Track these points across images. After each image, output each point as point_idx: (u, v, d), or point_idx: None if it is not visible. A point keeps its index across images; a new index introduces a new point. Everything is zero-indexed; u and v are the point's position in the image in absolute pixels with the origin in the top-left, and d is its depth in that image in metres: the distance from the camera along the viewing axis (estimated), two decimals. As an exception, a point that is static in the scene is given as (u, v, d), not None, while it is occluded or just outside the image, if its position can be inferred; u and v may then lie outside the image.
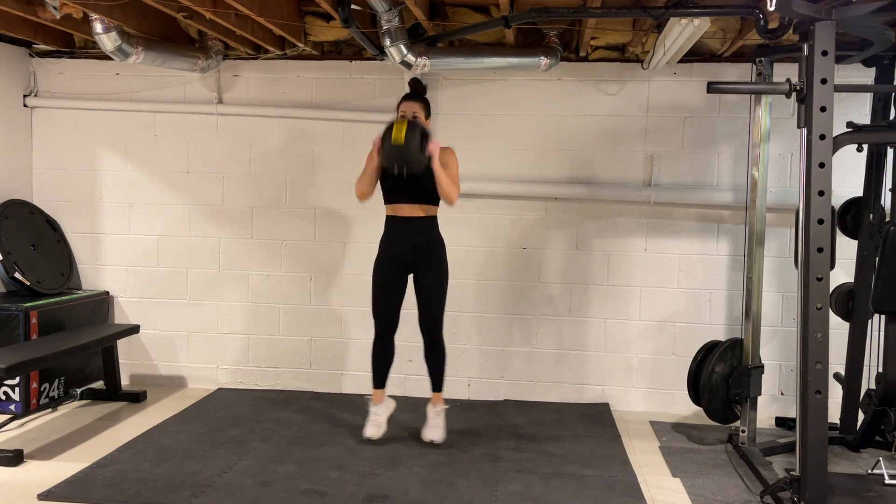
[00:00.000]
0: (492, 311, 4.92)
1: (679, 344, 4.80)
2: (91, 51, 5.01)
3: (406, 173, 3.77)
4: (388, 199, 4.02)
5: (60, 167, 5.15)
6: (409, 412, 4.58)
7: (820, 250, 3.10)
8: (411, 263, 4.00)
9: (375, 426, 4.07)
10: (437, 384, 4.09)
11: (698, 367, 4.21)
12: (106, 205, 5.14)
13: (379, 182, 4.01)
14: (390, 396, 4.24)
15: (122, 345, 5.03)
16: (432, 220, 4.01)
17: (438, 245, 4.03)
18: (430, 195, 3.94)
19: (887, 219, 4.00)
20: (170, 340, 5.15)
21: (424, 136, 3.77)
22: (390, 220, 4.02)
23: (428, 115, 4.00)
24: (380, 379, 4.12)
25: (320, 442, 4.06)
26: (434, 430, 4.04)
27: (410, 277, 4.06)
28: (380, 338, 4.07)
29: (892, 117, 3.93)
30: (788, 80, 3.22)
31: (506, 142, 4.84)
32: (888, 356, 3.71)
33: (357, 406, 4.68)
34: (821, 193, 3.09)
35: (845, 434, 4.15)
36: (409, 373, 4.94)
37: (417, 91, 4.08)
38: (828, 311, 3.10)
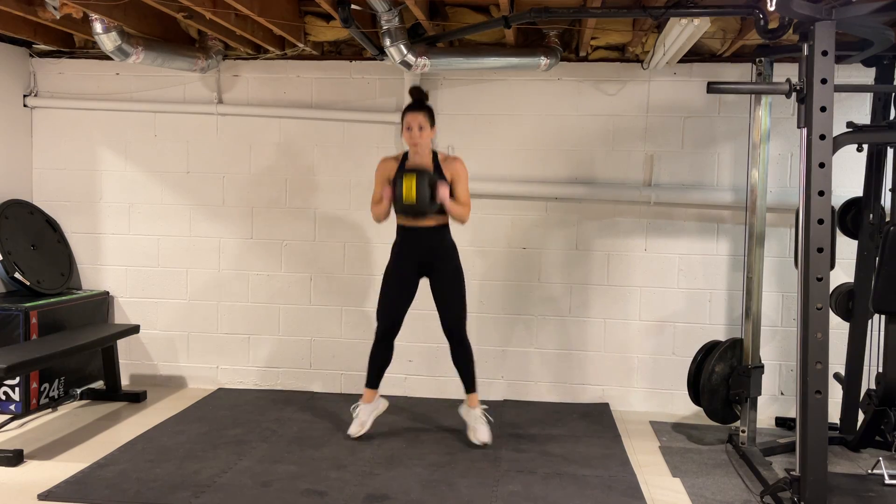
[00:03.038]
0: (492, 311, 4.92)
1: (679, 344, 4.80)
2: (91, 51, 5.01)
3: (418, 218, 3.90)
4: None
5: (60, 167, 5.15)
6: (410, 412, 4.59)
7: (820, 250, 3.09)
8: (425, 269, 4.05)
9: (359, 424, 4.11)
10: (469, 385, 4.10)
11: (698, 367, 4.21)
12: (106, 205, 5.14)
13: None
14: (383, 396, 4.22)
15: (122, 345, 5.03)
16: (444, 228, 4.04)
17: (452, 250, 4.07)
18: (441, 208, 3.98)
19: (887, 219, 4.00)
20: (170, 340, 5.15)
21: (433, 187, 3.82)
22: (403, 229, 4.05)
23: (432, 123, 3.97)
24: (374, 379, 4.13)
25: (320, 442, 4.06)
26: (481, 431, 4.03)
27: (422, 283, 4.09)
28: (381, 339, 4.09)
29: (892, 117, 3.93)
30: (788, 80, 3.22)
31: (506, 142, 4.84)
32: (888, 356, 3.71)
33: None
34: (821, 193, 3.09)
35: (845, 434, 4.15)
36: (408, 373, 4.94)
37: (420, 100, 4.01)
38: (828, 311, 3.10)
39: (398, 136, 4.86)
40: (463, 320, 4.07)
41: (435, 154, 4.00)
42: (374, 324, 4.08)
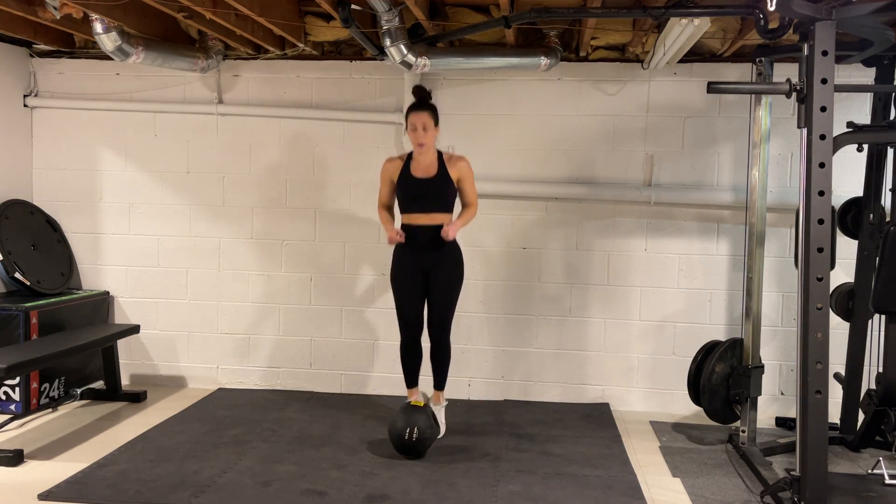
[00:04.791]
0: (492, 311, 4.92)
1: (679, 344, 4.80)
2: (91, 51, 5.01)
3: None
4: (404, 209, 4.05)
5: (60, 167, 5.15)
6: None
7: (820, 250, 3.09)
8: (428, 267, 4.03)
9: (440, 426, 4.13)
10: (439, 383, 4.16)
11: (698, 367, 4.21)
12: (106, 205, 5.14)
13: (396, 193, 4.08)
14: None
15: (122, 345, 5.03)
16: None
17: (456, 252, 4.07)
18: (445, 205, 4.00)
19: (887, 219, 4.00)
20: (170, 340, 5.15)
21: (432, 429, 3.89)
22: (406, 228, 4.03)
23: (436, 121, 3.95)
24: (411, 379, 4.19)
25: (320, 442, 4.06)
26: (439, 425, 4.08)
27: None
28: (406, 343, 4.11)
29: (892, 117, 3.93)
30: (788, 80, 3.22)
31: (506, 142, 4.84)
32: (888, 356, 3.71)
33: (357, 406, 4.69)
34: (821, 193, 3.09)
35: (845, 434, 4.15)
36: (409, 373, 4.94)
37: (423, 98, 4.00)
38: (828, 311, 3.10)
39: (398, 135, 4.87)
40: (449, 321, 4.07)
41: (439, 154, 4.01)
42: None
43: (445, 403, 4.23)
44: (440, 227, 3.95)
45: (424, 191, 3.96)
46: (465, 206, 4.07)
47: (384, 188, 4.09)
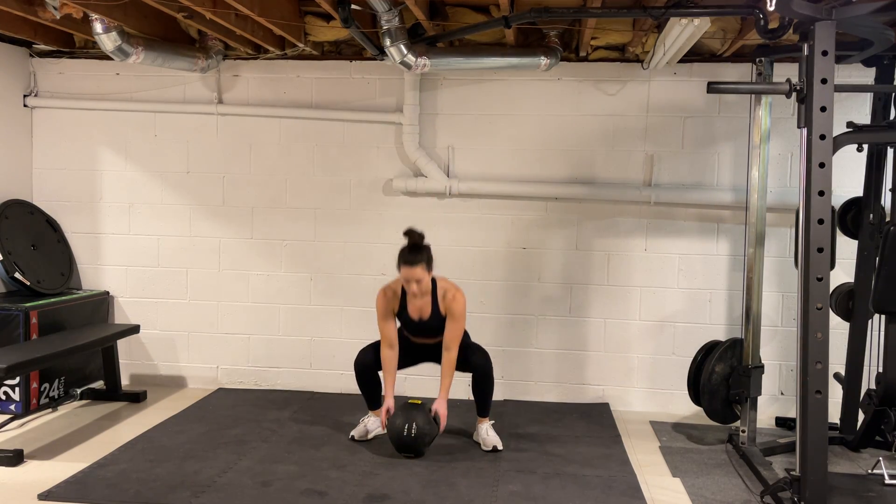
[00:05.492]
0: (492, 311, 4.92)
1: (679, 344, 4.80)
2: (91, 51, 5.01)
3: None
4: (404, 330, 4.11)
5: (60, 167, 5.15)
6: (409, 412, 4.58)
7: (820, 250, 3.10)
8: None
9: (363, 431, 4.12)
10: (482, 410, 4.09)
11: (698, 367, 4.21)
12: (106, 205, 5.14)
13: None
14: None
15: (122, 345, 5.03)
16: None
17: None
18: (442, 331, 4.00)
19: (887, 219, 4.00)
20: (170, 340, 5.15)
21: (433, 428, 3.88)
22: (408, 340, 4.14)
23: (430, 267, 3.86)
24: (372, 402, 4.15)
25: (320, 442, 4.06)
26: (493, 438, 4.01)
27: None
28: (360, 373, 4.05)
29: (892, 117, 3.93)
30: (788, 80, 3.22)
31: (506, 142, 4.84)
32: (888, 356, 3.71)
33: (357, 406, 4.68)
34: (821, 193, 3.10)
35: (845, 434, 4.15)
36: (408, 373, 4.92)
37: (416, 245, 3.84)
38: (828, 311, 3.10)
39: (398, 136, 4.87)
40: (488, 358, 4.03)
41: (434, 287, 3.94)
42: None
43: (492, 422, 4.13)
44: (440, 342, 3.99)
45: (421, 329, 4.02)
46: (444, 347, 3.95)
47: (387, 324, 3.99)
